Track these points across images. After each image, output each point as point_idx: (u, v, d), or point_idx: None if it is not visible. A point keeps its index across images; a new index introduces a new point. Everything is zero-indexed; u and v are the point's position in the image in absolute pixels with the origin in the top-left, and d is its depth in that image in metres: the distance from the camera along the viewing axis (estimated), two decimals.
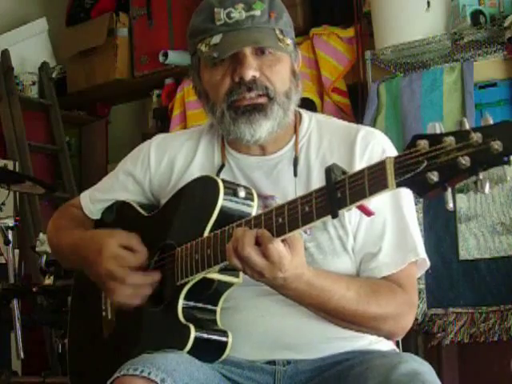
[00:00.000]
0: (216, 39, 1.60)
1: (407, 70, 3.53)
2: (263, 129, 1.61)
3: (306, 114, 1.76)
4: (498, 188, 3.06)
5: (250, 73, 1.59)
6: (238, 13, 1.60)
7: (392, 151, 1.66)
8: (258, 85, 1.60)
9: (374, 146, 1.65)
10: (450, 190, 1.17)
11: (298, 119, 1.73)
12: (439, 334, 3.16)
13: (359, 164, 1.62)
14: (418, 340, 3.22)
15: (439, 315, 3.17)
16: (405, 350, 1.72)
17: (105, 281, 1.61)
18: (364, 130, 1.69)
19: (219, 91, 1.63)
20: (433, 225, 3.13)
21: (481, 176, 1.14)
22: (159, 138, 1.85)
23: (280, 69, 1.63)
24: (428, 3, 3.32)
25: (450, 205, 1.18)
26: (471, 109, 3.21)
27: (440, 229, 3.08)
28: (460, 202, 3.11)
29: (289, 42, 1.64)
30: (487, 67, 3.28)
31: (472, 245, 3.13)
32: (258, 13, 1.60)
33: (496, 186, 3.01)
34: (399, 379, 1.39)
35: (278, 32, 1.62)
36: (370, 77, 3.55)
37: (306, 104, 1.77)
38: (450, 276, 3.15)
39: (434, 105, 3.32)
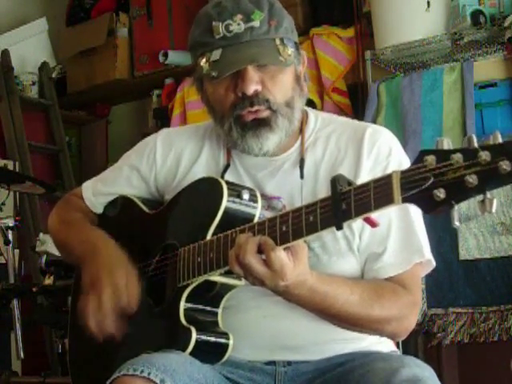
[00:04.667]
0: (216, 55, 1.59)
1: (407, 69, 3.53)
2: (270, 142, 1.61)
3: (312, 114, 1.75)
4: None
5: (252, 88, 1.58)
6: (237, 25, 1.58)
7: (399, 150, 1.66)
8: (260, 98, 1.59)
9: (381, 144, 1.64)
10: (456, 207, 1.16)
11: (305, 119, 1.72)
12: (439, 334, 3.16)
13: (366, 162, 1.62)
14: (418, 340, 3.22)
15: (439, 315, 3.17)
16: (405, 349, 1.72)
17: (89, 299, 1.61)
18: (371, 128, 1.68)
19: (224, 105, 1.63)
20: (433, 225, 3.12)
21: (488, 195, 1.12)
22: (165, 132, 1.84)
23: (282, 79, 1.62)
24: (428, 3, 3.31)
25: (457, 223, 1.16)
26: (471, 109, 3.21)
27: (440, 229, 3.08)
28: None
29: (290, 51, 1.62)
30: (487, 67, 3.28)
31: (472, 245, 3.13)
32: (256, 24, 1.59)
33: None
34: None
35: (278, 42, 1.60)
36: (369, 77, 3.55)
37: (306, 104, 1.76)
38: (450, 276, 3.15)
39: (434, 105, 3.32)
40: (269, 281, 1.39)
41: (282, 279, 1.39)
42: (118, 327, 1.60)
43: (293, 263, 1.39)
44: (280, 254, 1.37)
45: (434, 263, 1.65)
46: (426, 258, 1.61)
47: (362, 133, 1.66)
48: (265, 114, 1.60)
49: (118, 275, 1.61)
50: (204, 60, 1.61)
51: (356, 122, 1.78)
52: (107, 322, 1.60)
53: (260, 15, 1.59)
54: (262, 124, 1.60)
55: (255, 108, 1.59)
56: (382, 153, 1.63)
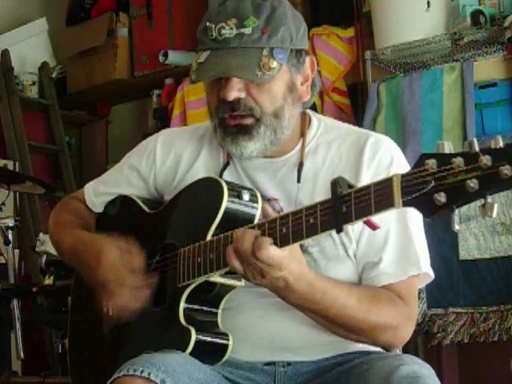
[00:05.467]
0: (203, 57, 1.59)
1: (407, 69, 3.53)
2: (250, 149, 1.61)
3: (315, 118, 1.74)
4: None
5: (232, 95, 1.57)
6: (229, 29, 1.56)
7: (401, 160, 1.65)
8: (242, 105, 1.58)
9: (383, 154, 1.63)
10: (456, 211, 1.15)
11: (307, 123, 1.71)
12: (439, 334, 3.16)
13: (366, 172, 1.61)
14: (418, 340, 3.22)
15: (439, 315, 3.17)
16: (404, 350, 1.72)
17: (104, 284, 1.61)
18: (373, 138, 1.66)
19: (210, 105, 1.64)
20: (433, 225, 3.12)
21: (489, 199, 1.12)
22: (165, 133, 1.84)
23: (270, 88, 1.59)
24: (428, 3, 3.32)
25: (457, 227, 1.16)
26: (471, 109, 3.21)
27: (440, 229, 3.08)
28: None
29: (274, 64, 1.56)
30: (487, 67, 3.28)
31: (472, 245, 3.13)
32: (248, 31, 1.56)
33: None
34: (400, 382, 1.38)
35: (265, 53, 1.56)
36: (369, 77, 3.55)
37: None
38: (450, 276, 3.15)
39: (434, 105, 3.32)
40: (268, 271, 1.39)
41: (281, 269, 1.39)
42: (144, 277, 1.59)
43: (287, 251, 1.39)
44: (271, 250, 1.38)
45: (432, 275, 1.64)
46: (422, 271, 1.60)
47: (364, 142, 1.64)
48: (248, 121, 1.59)
49: (108, 254, 1.61)
50: (195, 60, 1.62)
51: (359, 129, 1.76)
52: (134, 283, 1.59)
53: (254, 22, 1.57)
54: (242, 132, 1.59)
55: (236, 113, 1.59)
56: (384, 163, 1.62)
